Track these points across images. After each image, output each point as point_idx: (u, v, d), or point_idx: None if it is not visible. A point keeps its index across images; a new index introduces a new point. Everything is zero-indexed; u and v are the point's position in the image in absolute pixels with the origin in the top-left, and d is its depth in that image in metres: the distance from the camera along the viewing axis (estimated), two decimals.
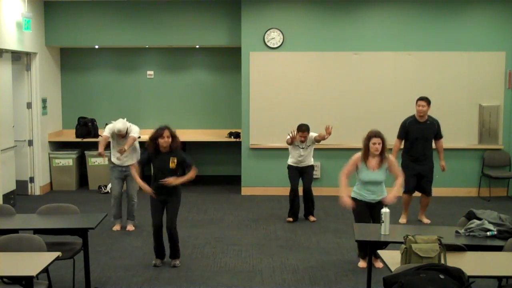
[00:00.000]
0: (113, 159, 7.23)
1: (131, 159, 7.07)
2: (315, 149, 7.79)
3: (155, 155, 5.78)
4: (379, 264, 5.73)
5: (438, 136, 7.52)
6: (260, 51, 9.15)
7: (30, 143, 9.25)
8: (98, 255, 6.21)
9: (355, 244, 6.33)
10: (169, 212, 5.85)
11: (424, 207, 7.68)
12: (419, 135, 7.37)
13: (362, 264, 5.89)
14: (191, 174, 5.76)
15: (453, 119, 9.04)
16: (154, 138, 5.72)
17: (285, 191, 8.95)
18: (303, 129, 7.46)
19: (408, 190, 7.45)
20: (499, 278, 4.40)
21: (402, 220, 7.59)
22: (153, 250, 6.01)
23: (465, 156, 9.27)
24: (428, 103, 7.33)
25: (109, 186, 9.45)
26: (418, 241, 3.88)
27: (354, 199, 5.72)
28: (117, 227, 7.29)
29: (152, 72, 10.35)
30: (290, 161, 7.73)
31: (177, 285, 5.40)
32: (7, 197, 8.11)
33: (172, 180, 5.66)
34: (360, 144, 5.78)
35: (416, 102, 7.38)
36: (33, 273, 3.76)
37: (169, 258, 5.96)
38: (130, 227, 7.30)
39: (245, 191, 9.37)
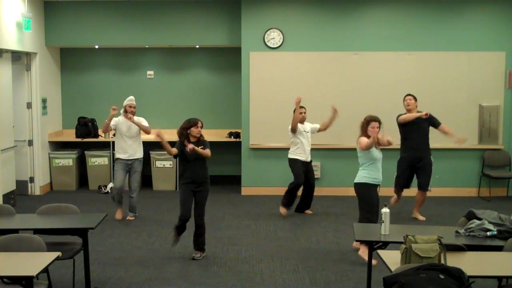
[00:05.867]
0: (117, 154, 7.68)
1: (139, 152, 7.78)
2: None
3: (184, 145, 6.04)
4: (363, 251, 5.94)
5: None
6: (260, 51, 9.15)
7: (30, 143, 9.25)
8: (98, 255, 6.21)
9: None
10: (200, 203, 6.10)
11: (421, 203, 7.88)
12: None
13: (358, 248, 6.13)
14: (207, 151, 6.05)
15: (453, 119, 9.02)
16: (187, 127, 6.04)
17: (285, 191, 8.96)
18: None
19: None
20: (499, 278, 4.39)
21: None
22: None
23: (465, 156, 9.27)
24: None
25: (110, 185, 9.50)
26: (418, 241, 3.88)
27: (367, 184, 6.07)
28: (118, 216, 7.72)
29: (152, 72, 10.35)
30: (299, 154, 7.76)
31: (177, 285, 5.40)
32: (7, 197, 8.12)
33: (193, 146, 5.90)
34: None
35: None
36: (33, 273, 3.76)
37: (194, 249, 6.20)
38: (130, 218, 7.74)
39: (245, 191, 9.37)
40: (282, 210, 7.88)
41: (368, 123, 6.06)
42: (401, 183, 7.75)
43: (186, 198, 6.05)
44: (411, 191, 7.94)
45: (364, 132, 6.09)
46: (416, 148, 7.57)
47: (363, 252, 5.99)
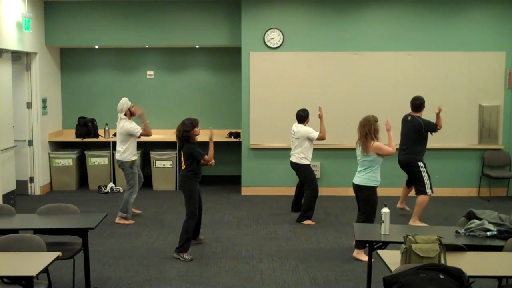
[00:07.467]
0: (133, 157, 7.59)
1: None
2: (314, 148, 7.76)
3: None
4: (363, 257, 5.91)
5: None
6: (260, 51, 9.15)
7: (30, 143, 9.25)
8: (98, 255, 6.21)
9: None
10: (201, 196, 6.41)
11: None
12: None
13: (356, 254, 6.07)
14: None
15: (453, 119, 9.04)
16: (192, 128, 6.07)
17: (285, 191, 9.00)
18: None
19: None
20: (499, 278, 4.40)
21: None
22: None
23: (465, 156, 9.27)
24: None
25: (110, 185, 9.50)
26: (418, 241, 3.88)
27: (373, 187, 6.01)
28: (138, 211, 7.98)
29: (152, 72, 10.35)
30: (309, 159, 7.59)
31: (177, 285, 5.40)
32: (7, 197, 8.12)
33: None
34: None
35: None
36: (33, 273, 3.76)
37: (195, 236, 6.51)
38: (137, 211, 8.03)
39: (245, 191, 9.37)
40: (309, 222, 7.55)
41: (375, 123, 5.92)
42: None
43: (198, 197, 6.25)
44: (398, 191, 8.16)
45: (374, 134, 5.90)
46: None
47: (358, 254, 6.01)
